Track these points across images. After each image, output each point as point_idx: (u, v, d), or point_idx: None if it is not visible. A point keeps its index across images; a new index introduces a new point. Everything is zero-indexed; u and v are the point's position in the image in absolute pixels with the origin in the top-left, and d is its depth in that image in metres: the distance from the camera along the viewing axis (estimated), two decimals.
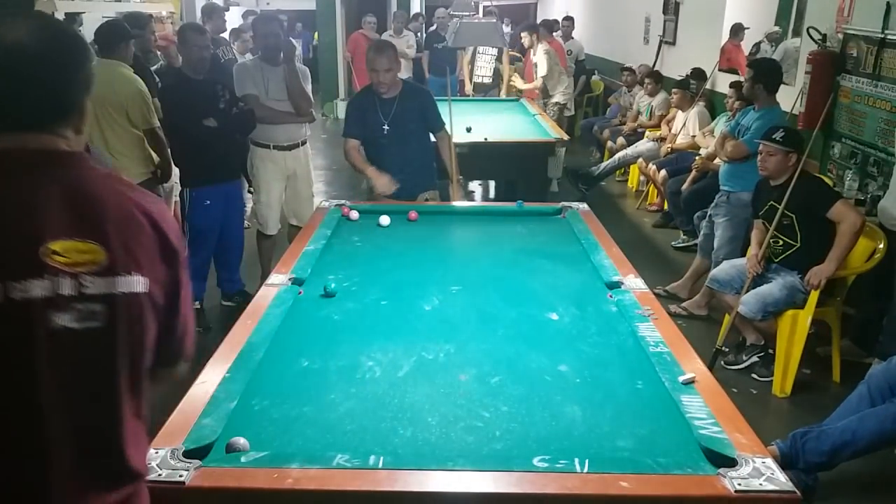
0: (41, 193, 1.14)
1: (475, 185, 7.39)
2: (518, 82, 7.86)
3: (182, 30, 4.15)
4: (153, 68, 5.30)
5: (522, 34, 7.96)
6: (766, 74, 4.18)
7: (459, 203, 3.67)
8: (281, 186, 4.36)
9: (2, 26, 1.17)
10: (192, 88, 3.89)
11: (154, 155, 4.23)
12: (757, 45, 6.03)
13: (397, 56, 3.68)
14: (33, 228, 1.11)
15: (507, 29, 9.16)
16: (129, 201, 1.22)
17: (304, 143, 4.38)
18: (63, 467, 1.17)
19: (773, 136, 3.49)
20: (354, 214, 3.39)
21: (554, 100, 7.60)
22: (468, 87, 8.37)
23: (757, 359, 3.69)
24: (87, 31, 9.39)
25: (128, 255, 1.18)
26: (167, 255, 1.25)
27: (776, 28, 5.57)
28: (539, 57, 7.48)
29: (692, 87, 6.22)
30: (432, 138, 3.94)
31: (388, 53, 3.63)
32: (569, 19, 10.07)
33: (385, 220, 3.30)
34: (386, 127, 3.71)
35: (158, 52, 6.00)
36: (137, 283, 1.19)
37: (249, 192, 4.76)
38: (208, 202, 4.00)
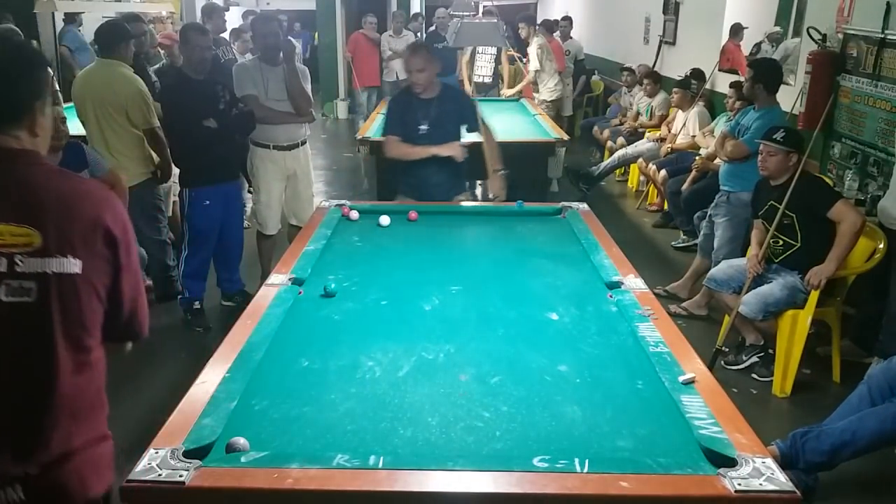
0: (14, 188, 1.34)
1: (475, 185, 7.39)
2: (506, 91, 7.94)
3: (184, 30, 4.14)
4: (155, 67, 5.30)
5: (520, 24, 8.00)
6: (766, 74, 4.18)
7: (458, 203, 3.65)
8: (281, 186, 4.36)
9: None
10: (192, 89, 3.88)
11: (154, 155, 4.23)
12: (757, 45, 6.03)
13: (432, 58, 3.67)
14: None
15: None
16: (72, 193, 1.40)
17: (303, 143, 4.38)
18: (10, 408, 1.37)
19: (774, 136, 3.49)
20: (354, 214, 3.39)
21: (541, 97, 7.62)
22: (467, 87, 8.36)
23: (757, 359, 3.69)
24: (88, 31, 9.41)
25: (63, 239, 1.35)
26: (107, 241, 1.40)
27: (777, 28, 5.57)
28: (531, 51, 7.54)
29: (693, 86, 6.22)
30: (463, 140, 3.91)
31: (422, 53, 3.65)
32: (567, 19, 10.07)
33: (385, 220, 3.30)
34: (424, 127, 3.69)
35: (162, 51, 6.00)
36: (71, 265, 1.36)
37: (249, 192, 4.76)
38: (208, 202, 4.00)
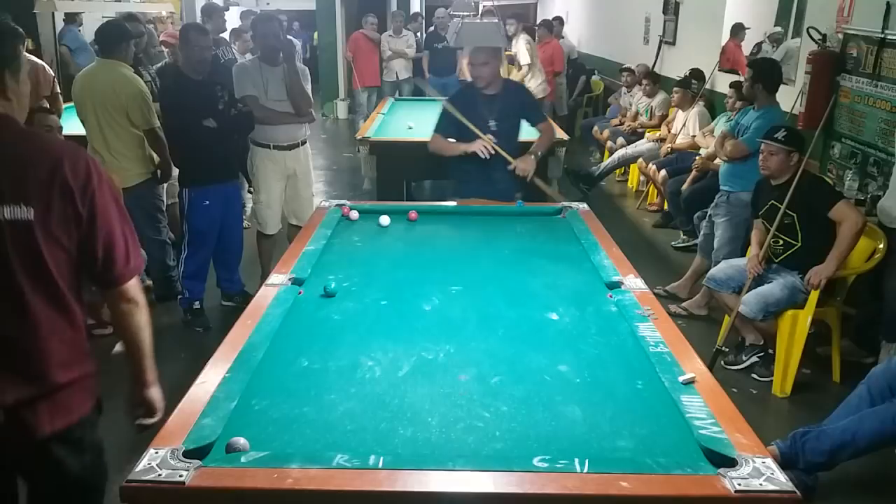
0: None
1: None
2: None
3: (184, 30, 4.14)
4: (156, 66, 5.29)
5: (509, 20, 8.13)
6: (766, 74, 4.18)
7: (458, 203, 3.64)
8: (281, 186, 4.36)
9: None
10: (191, 89, 3.88)
11: (154, 155, 4.23)
12: (758, 46, 6.03)
13: (496, 52, 3.67)
14: None
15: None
16: (31, 148, 1.54)
17: (304, 142, 4.38)
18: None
19: (776, 136, 3.49)
20: (354, 214, 3.39)
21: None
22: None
23: (757, 359, 3.69)
24: (88, 30, 9.40)
25: (17, 190, 1.49)
26: (64, 192, 1.52)
27: (778, 28, 5.57)
28: (520, 47, 7.57)
29: (693, 86, 6.22)
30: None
31: (487, 49, 3.64)
32: (557, 18, 10.08)
33: (385, 220, 3.30)
34: (492, 123, 3.66)
35: (166, 50, 6.00)
36: (25, 212, 1.50)
37: (249, 192, 4.77)
38: (207, 202, 4.00)
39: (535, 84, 7.72)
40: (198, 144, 3.88)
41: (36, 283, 1.54)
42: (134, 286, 1.71)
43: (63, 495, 1.73)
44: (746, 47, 6.44)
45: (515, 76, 7.83)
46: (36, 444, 1.60)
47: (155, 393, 1.83)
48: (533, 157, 3.67)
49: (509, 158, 3.63)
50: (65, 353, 1.61)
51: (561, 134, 5.42)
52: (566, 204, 3.49)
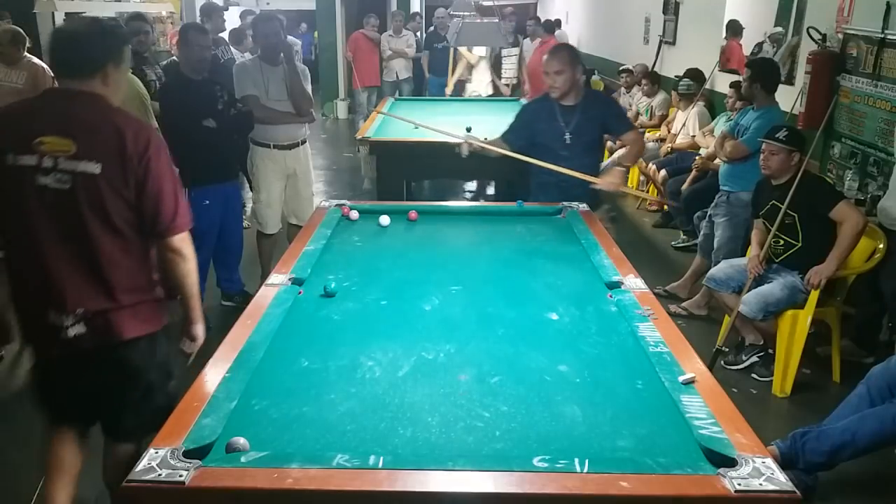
0: (58, 109, 1.99)
1: (474, 185, 7.39)
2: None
3: (184, 29, 4.14)
4: (163, 63, 5.28)
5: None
6: (764, 74, 4.18)
7: (458, 203, 3.64)
8: (281, 186, 4.35)
9: (67, 23, 2.24)
10: (190, 89, 3.88)
11: None
12: (759, 46, 6.02)
13: (572, 60, 3.47)
14: (38, 129, 1.95)
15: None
16: (106, 119, 1.98)
17: (304, 142, 4.38)
18: (60, 275, 1.98)
19: (777, 135, 3.49)
20: (354, 214, 3.39)
21: (472, 87, 7.98)
22: (449, 90, 8.44)
23: (757, 359, 3.69)
24: None
25: (89, 150, 1.94)
26: (124, 154, 1.95)
27: (779, 29, 5.56)
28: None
29: (682, 88, 6.18)
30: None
31: (560, 56, 3.47)
32: (535, 18, 10.07)
33: (385, 220, 3.30)
34: (568, 136, 3.51)
35: (172, 49, 6.00)
36: (94, 167, 1.94)
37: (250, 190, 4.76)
38: (207, 202, 4.00)
39: (482, 82, 7.89)
40: (197, 144, 3.87)
41: (101, 224, 1.98)
42: (179, 240, 2.11)
43: (128, 393, 2.13)
44: (747, 47, 6.42)
45: (459, 67, 8.28)
46: (110, 346, 2.05)
47: (198, 329, 2.27)
48: (619, 170, 3.57)
49: (588, 178, 3.45)
50: (125, 281, 2.04)
51: None
52: (566, 204, 3.49)
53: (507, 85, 8.30)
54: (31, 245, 1.99)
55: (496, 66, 8.24)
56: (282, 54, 4.17)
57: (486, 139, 5.09)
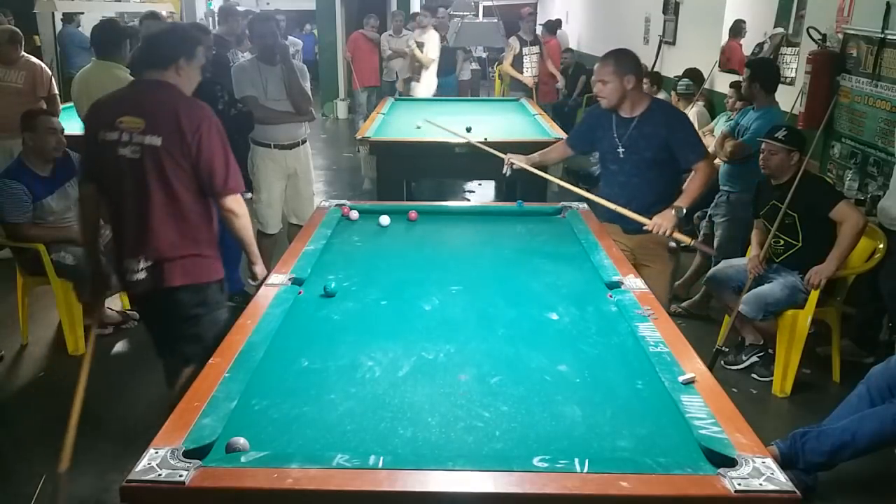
0: (137, 95, 2.47)
1: (474, 185, 7.40)
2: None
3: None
4: None
5: (422, 12, 8.60)
6: (763, 74, 4.18)
7: (458, 203, 3.62)
8: (281, 185, 4.35)
9: (146, 21, 3.79)
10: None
11: None
12: (760, 46, 6.03)
13: (619, 69, 3.08)
14: (120, 111, 2.42)
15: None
16: (169, 101, 2.42)
17: (304, 141, 4.37)
18: (130, 229, 2.45)
19: (776, 135, 3.49)
20: (354, 214, 3.39)
21: (418, 90, 8.10)
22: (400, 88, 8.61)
23: (757, 359, 3.69)
24: (87, 30, 9.39)
25: (153, 125, 2.38)
26: (180, 130, 2.37)
27: (780, 29, 5.57)
28: (433, 40, 7.98)
29: (681, 88, 6.18)
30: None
31: (605, 64, 3.12)
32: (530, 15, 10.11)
33: (385, 220, 3.30)
34: (621, 150, 3.19)
35: None
36: (156, 140, 2.37)
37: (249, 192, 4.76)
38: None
39: (430, 87, 7.95)
40: None
41: (162, 188, 2.39)
42: (230, 201, 2.49)
43: (182, 329, 2.53)
44: (747, 47, 6.43)
45: (402, 64, 8.51)
46: (166, 290, 2.46)
47: (258, 268, 2.70)
48: (674, 212, 3.03)
49: (632, 216, 3.10)
50: (177, 237, 2.44)
51: (561, 134, 5.43)
52: (566, 204, 3.49)
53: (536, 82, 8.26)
54: (115, 204, 2.49)
55: (517, 64, 8.18)
56: (278, 54, 4.17)
57: (486, 139, 5.12)
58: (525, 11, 8.95)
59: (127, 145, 2.39)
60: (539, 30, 9.45)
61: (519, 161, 3.46)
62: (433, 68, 8.47)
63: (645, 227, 3.07)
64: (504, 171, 3.47)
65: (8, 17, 7.67)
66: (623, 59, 3.11)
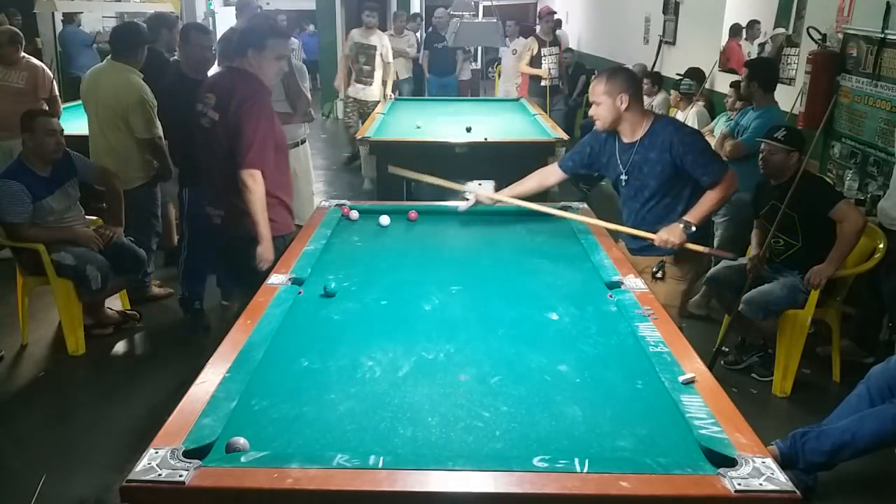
0: (217, 78, 3.13)
1: (474, 186, 7.38)
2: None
3: (185, 28, 4.12)
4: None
5: (367, 7, 7.95)
6: (762, 73, 4.18)
7: (458, 203, 3.60)
8: None
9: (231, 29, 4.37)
10: (189, 89, 3.85)
11: (155, 162, 4.23)
12: (762, 46, 6.03)
13: (612, 89, 2.86)
14: (208, 88, 3.02)
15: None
16: (231, 85, 2.94)
17: (303, 141, 4.37)
18: (208, 185, 3.16)
19: (776, 135, 3.49)
20: (354, 214, 3.39)
21: (371, 94, 7.54)
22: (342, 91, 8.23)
23: (757, 359, 3.69)
24: (87, 29, 9.40)
25: (218, 103, 2.92)
26: (229, 108, 2.87)
27: (781, 30, 5.57)
28: (385, 43, 7.65)
29: (684, 87, 6.19)
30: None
31: (599, 83, 2.91)
32: (511, 19, 10.07)
33: (385, 220, 3.30)
34: (624, 177, 2.99)
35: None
36: (216, 115, 2.93)
37: None
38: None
39: (376, 92, 7.57)
40: (195, 145, 3.86)
41: (222, 153, 2.93)
42: (246, 174, 2.84)
43: (238, 267, 3.09)
44: (747, 47, 6.43)
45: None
46: (229, 237, 3.08)
47: (262, 248, 2.92)
48: (681, 226, 2.82)
49: (637, 233, 2.97)
50: (236, 196, 2.90)
51: (561, 134, 5.44)
52: (566, 204, 3.49)
53: (551, 83, 7.89)
54: (201, 164, 3.15)
55: (535, 64, 7.97)
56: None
57: (486, 139, 5.12)
58: (544, 10, 8.73)
59: (203, 116, 2.97)
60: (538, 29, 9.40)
61: (488, 197, 3.26)
62: (400, 69, 8.34)
63: (650, 242, 2.91)
64: (460, 209, 3.30)
65: (16, 18, 7.68)
66: (615, 78, 2.88)
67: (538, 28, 8.30)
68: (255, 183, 2.84)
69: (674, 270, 3.01)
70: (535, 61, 7.88)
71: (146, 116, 4.02)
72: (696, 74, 6.37)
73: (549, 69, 7.88)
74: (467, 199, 3.35)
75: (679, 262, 3.00)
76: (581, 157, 3.15)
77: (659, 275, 2.98)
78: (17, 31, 5.19)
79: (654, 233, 2.90)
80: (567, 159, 3.24)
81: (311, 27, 15.41)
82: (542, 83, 7.87)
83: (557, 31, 9.68)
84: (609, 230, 3.12)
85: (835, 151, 4.63)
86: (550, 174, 3.26)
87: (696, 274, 3.09)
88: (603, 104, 2.88)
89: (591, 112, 3.00)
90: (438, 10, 9.39)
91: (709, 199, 2.84)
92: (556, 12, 8.69)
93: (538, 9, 8.64)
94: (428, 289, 2.54)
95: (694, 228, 2.82)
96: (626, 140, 2.95)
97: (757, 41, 6.54)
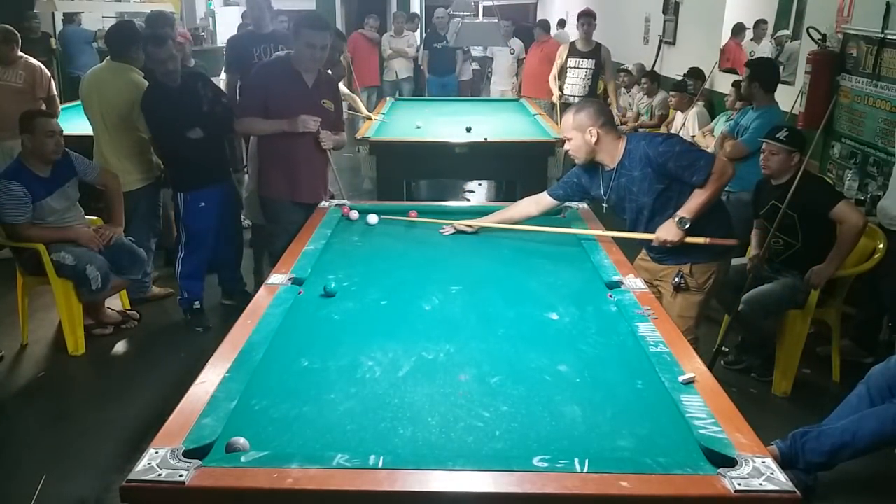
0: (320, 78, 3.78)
1: (474, 185, 7.40)
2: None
3: (143, 42, 4.00)
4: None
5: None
6: (763, 73, 4.18)
7: (458, 203, 3.60)
8: None
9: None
10: (171, 99, 3.80)
11: (160, 161, 4.22)
12: (779, 46, 6.01)
13: (581, 123, 2.86)
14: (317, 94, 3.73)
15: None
16: (327, 77, 3.79)
17: None
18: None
19: (777, 135, 3.48)
20: (354, 214, 3.39)
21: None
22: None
23: (757, 359, 3.69)
24: (88, 27, 9.39)
25: (325, 94, 3.69)
26: (334, 97, 3.77)
27: (786, 31, 5.57)
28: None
29: (690, 88, 6.21)
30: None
31: (567, 120, 2.93)
32: (507, 18, 9.98)
33: (373, 218, 3.29)
34: (604, 206, 3.04)
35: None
36: (331, 106, 3.68)
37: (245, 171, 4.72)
38: (203, 204, 3.98)
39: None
40: (186, 154, 3.84)
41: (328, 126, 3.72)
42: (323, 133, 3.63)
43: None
44: (762, 49, 6.43)
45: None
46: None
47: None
48: (676, 223, 2.79)
49: (638, 236, 2.98)
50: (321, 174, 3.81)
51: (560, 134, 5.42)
52: (566, 204, 3.49)
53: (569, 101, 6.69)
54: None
55: (560, 76, 7.06)
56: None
57: (486, 139, 5.12)
58: (582, 11, 7.07)
59: (320, 110, 3.65)
60: (542, 28, 9.18)
61: (467, 225, 3.21)
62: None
63: (653, 244, 2.90)
64: (443, 232, 3.23)
65: (35, 21, 7.66)
66: (581, 114, 2.87)
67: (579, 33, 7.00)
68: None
69: (692, 281, 2.97)
70: (562, 74, 6.98)
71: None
72: (695, 75, 6.38)
73: (569, 85, 6.81)
74: (462, 210, 3.31)
75: (698, 272, 2.95)
76: (571, 187, 3.14)
77: (682, 284, 2.94)
78: (12, 29, 5.16)
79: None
80: (558, 188, 3.21)
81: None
82: (553, 99, 7.18)
83: (557, 32, 9.65)
84: (613, 237, 3.07)
85: (835, 151, 4.63)
86: (540, 201, 3.21)
87: (715, 283, 3.04)
88: (574, 139, 2.89)
89: (566, 147, 2.99)
90: (438, 10, 9.39)
91: (703, 192, 2.79)
92: (594, 14, 7.03)
93: (570, 11, 7.13)
94: (428, 289, 2.54)
95: (689, 222, 2.78)
96: (608, 168, 2.94)
97: (751, 40, 6.54)
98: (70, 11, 9.32)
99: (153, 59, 3.81)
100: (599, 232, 3.10)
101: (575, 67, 6.76)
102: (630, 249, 3.05)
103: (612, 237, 3.06)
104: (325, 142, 3.63)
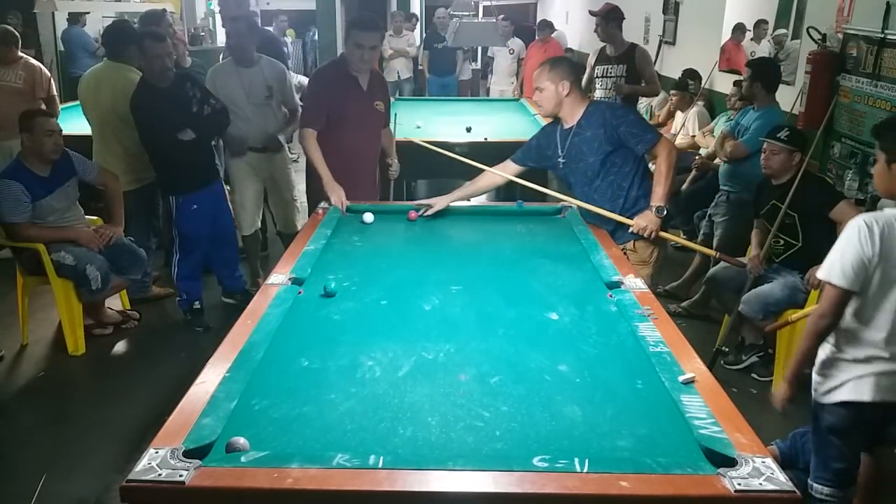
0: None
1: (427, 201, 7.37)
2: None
3: (139, 37, 3.91)
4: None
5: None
6: (764, 73, 4.18)
7: (458, 203, 3.58)
8: (255, 188, 4.38)
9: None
10: (161, 100, 3.74)
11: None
12: (779, 46, 6.00)
13: (554, 75, 3.05)
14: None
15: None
16: (379, 78, 3.99)
17: (280, 148, 4.37)
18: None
19: (778, 135, 3.48)
20: (369, 217, 3.31)
21: None
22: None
23: (757, 359, 3.69)
24: (90, 30, 9.39)
25: (377, 95, 3.82)
26: (384, 97, 3.89)
27: (783, 31, 5.57)
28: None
29: (690, 87, 6.21)
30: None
31: (542, 71, 3.09)
32: (507, 18, 9.99)
33: (369, 217, 3.28)
34: (562, 160, 3.18)
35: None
36: (382, 107, 3.86)
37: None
38: (195, 206, 3.98)
39: None
40: (177, 157, 3.83)
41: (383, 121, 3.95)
42: (395, 164, 4.00)
43: None
44: (762, 49, 6.42)
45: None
46: None
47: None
48: (654, 210, 3.01)
49: (616, 217, 3.11)
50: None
51: None
52: (566, 204, 3.49)
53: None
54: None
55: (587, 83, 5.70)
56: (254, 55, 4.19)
57: (486, 139, 5.12)
58: (604, 9, 5.49)
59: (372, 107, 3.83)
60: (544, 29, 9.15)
61: (439, 202, 3.36)
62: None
63: (631, 230, 3.11)
64: (422, 213, 3.35)
65: (14, 20, 7.65)
66: (557, 65, 3.09)
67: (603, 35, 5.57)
68: (307, 140, 3.66)
69: (635, 256, 3.16)
70: (590, 78, 5.68)
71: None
72: (690, 75, 6.37)
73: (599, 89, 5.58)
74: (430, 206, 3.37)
75: (640, 247, 3.17)
76: (530, 150, 3.33)
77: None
78: (12, 30, 5.16)
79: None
80: (518, 153, 3.39)
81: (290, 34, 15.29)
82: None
83: (557, 32, 9.61)
84: (589, 211, 3.22)
85: (835, 151, 4.62)
86: (506, 167, 3.39)
87: (659, 256, 3.24)
88: (546, 90, 3.07)
89: (535, 97, 3.24)
90: (439, 9, 9.39)
91: (659, 174, 3.04)
92: (618, 11, 5.56)
93: (596, 8, 5.38)
94: (428, 288, 2.54)
95: (665, 210, 3.03)
96: (566, 126, 3.14)
97: (751, 40, 6.54)
98: (70, 11, 9.31)
99: (150, 55, 3.72)
100: (581, 203, 3.23)
101: (603, 76, 5.52)
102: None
103: (589, 210, 3.18)
104: (393, 173, 4.02)
